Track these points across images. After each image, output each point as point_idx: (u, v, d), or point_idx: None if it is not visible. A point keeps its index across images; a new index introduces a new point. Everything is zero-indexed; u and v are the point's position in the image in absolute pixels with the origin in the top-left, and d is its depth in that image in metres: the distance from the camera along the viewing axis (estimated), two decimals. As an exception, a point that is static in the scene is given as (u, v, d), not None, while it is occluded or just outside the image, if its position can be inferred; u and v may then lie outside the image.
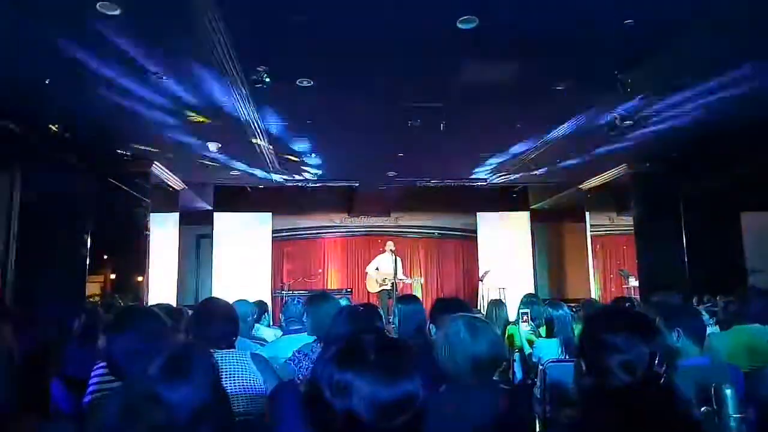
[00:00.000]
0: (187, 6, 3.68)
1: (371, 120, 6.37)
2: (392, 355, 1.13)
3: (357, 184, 10.23)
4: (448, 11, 3.85)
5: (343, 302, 4.76)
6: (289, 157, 7.80)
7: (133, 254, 7.70)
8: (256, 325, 4.39)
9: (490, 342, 1.96)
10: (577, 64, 4.77)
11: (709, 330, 2.81)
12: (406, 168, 8.83)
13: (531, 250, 11.53)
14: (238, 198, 10.77)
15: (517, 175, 9.34)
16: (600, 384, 1.54)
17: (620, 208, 11.25)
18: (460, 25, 4.00)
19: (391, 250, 10.12)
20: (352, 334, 1.22)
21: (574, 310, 5.09)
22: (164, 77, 4.93)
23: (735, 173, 7.17)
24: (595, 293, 10.68)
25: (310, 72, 4.93)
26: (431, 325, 3.04)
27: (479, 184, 9.99)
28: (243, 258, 10.75)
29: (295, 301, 3.97)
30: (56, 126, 6.10)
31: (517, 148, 7.68)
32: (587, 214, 10.63)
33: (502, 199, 11.32)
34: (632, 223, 8.86)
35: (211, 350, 1.89)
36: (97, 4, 3.63)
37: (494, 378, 2.03)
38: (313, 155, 7.92)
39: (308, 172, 8.97)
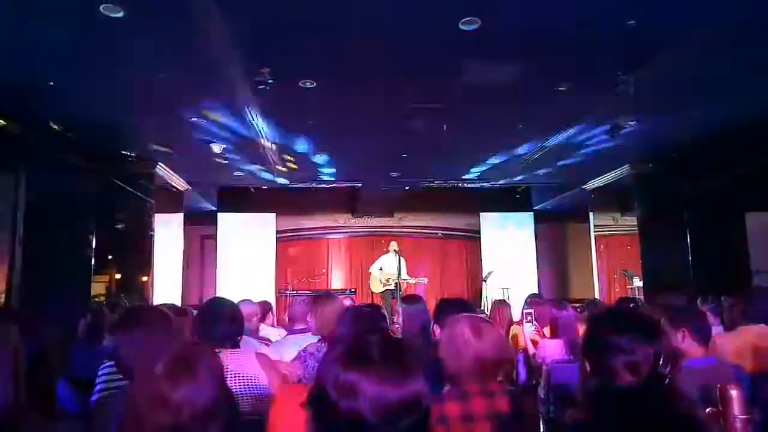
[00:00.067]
0: (189, 8, 3.70)
1: (374, 121, 6.38)
2: (397, 356, 1.13)
3: (360, 185, 10.24)
4: (450, 12, 3.85)
5: (347, 302, 4.78)
6: (288, 157, 7.78)
7: (137, 255, 7.72)
8: (261, 324, 4.40)
9: (494, 342, 1.96)
10: (580, 65, 4.77)
11: (714, 330, 2.80)
12: (409, 169, 8.83)
13: (535, 250, 11.51)
14: (242, 199, 10.79)
15: (520, 176, 9.34)
16: (604, 384, 1.54)
17: (624, 209, 11.22)
18: (462, 26, 4.00)
19: (394, 250, 10.12)
20: (357, 335, 1.22)
21: (578, 310, 5.09)
22: (168, 78, 4.95)
23: (739, 173, 7.14)
24: (598, 294, 10.65)
25: (313, 73, 4.93)
26: (435, 325, 3.05)
27: (482, 184, 9.99)
28: (247, 258, 10.77)
29: (299, 302, 3.98)
30: (60, 127, 6.12)
31: (518, 149, 7.67)
32: (591, 214, 10.61)
33: (506, 199, 11.31)
34: (636, 223, 8.84)
35: (216, 350, 1.90)
36: (101, 6, 3.65)
37: (498, 378, 2.03)
38: (316, 156, 7.93)
39: (312, 172, 8.98)
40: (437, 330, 2.94)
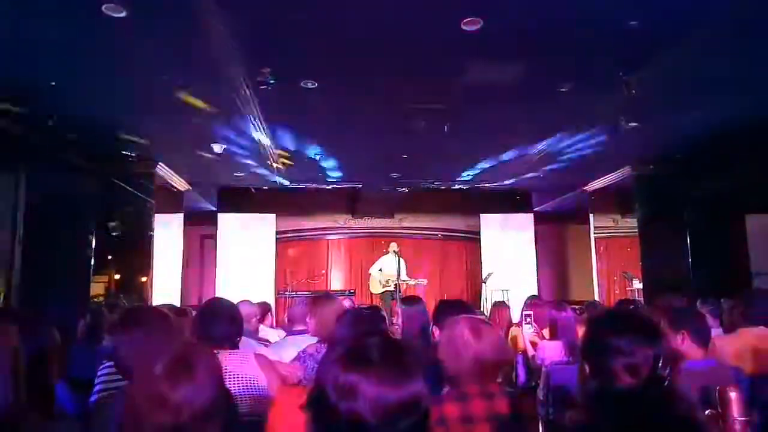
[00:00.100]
0: (191, 8, 3.70)
1: (375, 121, 6.38)
2: (397, 357, 1.13)
3: (360, 186, 10.24)
4: (452, 13, 3.85)
5: (346, 303, 4.78)
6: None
7: (137, 255, 7.72)
8: (260, 325, 4.40)
9: (493, 344, 1.96)
10: (582, 65, 4.77)
11: (713, 332, 2.80)
12: (410, 170, 8.83)
13: (534, 251, 11.50)
14: (242, 199, 10.79)
15: (521, 177, 9.33)
16: (604, 386, 1.54)
17: (624, 210, 11.23)
18: (464, 27, 4.00)
19: (394, 251, 10.13)
20: (356, 336, 1.22)
21: (578, 312, 5.09)
22: (169, 79, 4.95)
23: (739, 175, 7.15)
24: (598, 295, 10.65)
25: (314, 74, 4.94)
26: (434, 326, 3.05)
27: (483, 185, 9.99)
28: (246, 259, 10.77)
29: (299, 303, 3.98)
30: (61, 127, 6.12)
31: (520, 150, 7.68)
32: (591, 216, 10.61)
33: (506, 200, 11.30)
34: (636, 225, 8.84)
35: (215, 350, 1.90)
36: (103, 6, 3.65)
37: (497, 380, 2.03)
38: (318, 156, 7.93)
39: (312, 173, 8.98)
40: (436, 331, 2.95)
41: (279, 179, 9.14)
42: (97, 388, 2.21)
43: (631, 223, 9.99)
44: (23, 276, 5.89)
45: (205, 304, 2.74)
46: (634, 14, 3.87)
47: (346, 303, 5.20)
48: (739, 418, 1.75)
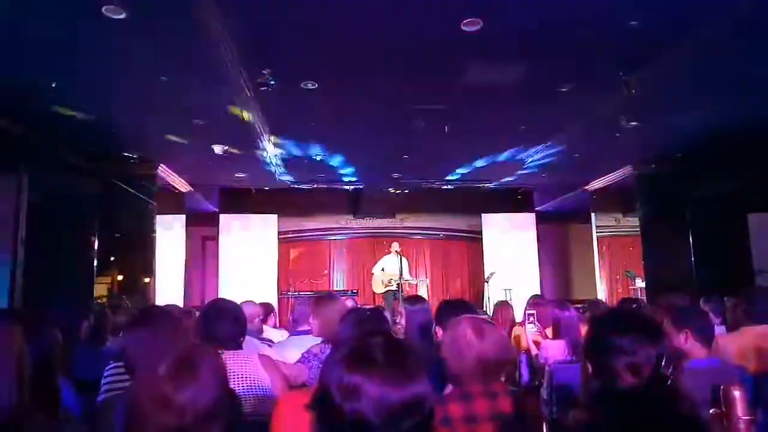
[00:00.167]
0: (192, 9, 3.70)
1: (376, 122, 6.38)
2: (400, 357, 1.13)
3: (362, 186, 10.24)
4: (452, 13, 3.85)
5: (349, 303, 4.79)
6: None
7: (139, 256, 7.73)
8: (264, 326, 4.41)
9: (496, 343, 1.96)
10: (582, 65, 4.77)
11: (716, 330, 2.80)
12: (411, 170, 8.83)
13: (537, 251, 11.50)
14: (244, 200, 10.80)
15: (523, 177, 9.33)
16: (606, 386, 1.54)
17: (626, 209, 11.23)
18: (464, 28, 4.00)
19: (396, 251, 10.13)
20: (359, 337, 1.23)
21: (580, 311, 5.09)
22: (169, 80, 4.96)
23: (741, 174, 7.13)
24: (601, 294, 10.64)
25: (315, 75, 4.94)
26: (436, 327, 3.05)
27: (484, 185, 9.98)
28: (249, 259, 10.78)
29: (303, 303, 3.99)
30: (62, 128, 6.14)
31: (520, 150, 7.68)
32: (593, 215, 10.60)
33: (508, 200, 11.31)
34: (638, 224, 8.83)
35: (219, 351, 1.90)
36: (103, 8, 3.65)
37: (501, 379, 2.03)
38: (318, 157, 7.94)
39: (314, 173, 8.98)
40: (439, 331, 2.95)
41: (280, 179, 9.12)
42: (103, 388, 2.22)
43: (633, 222, 9.98)
44: (26, 277, 5.90)
45: (209, 305, 2.74)
46: (635, 14, 3.87)
47: (349, 303, 5.21)
48: (743, 417, 1.75)
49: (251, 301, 4.23)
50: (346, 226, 12.60)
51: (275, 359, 2.64)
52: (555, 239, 12.75)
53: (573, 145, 7.26)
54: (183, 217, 9.93)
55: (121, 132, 6.56)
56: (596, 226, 10.65)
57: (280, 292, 10.97)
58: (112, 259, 7.49)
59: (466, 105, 5.75)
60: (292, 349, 3.15)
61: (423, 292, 10.99)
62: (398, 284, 9.70)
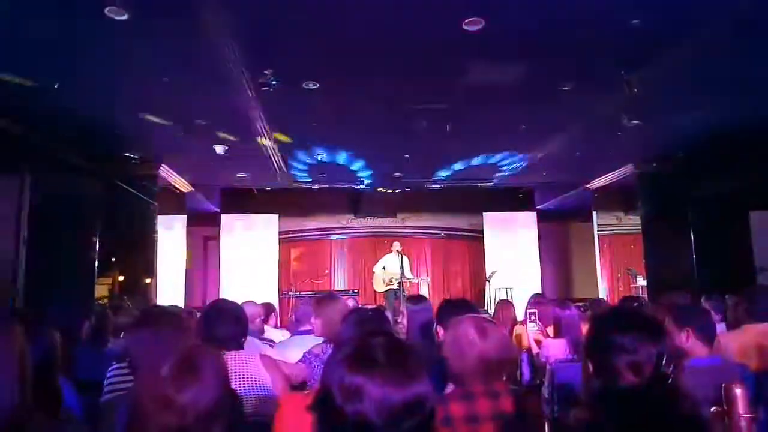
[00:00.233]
0: (192, 10, 3.70)
1: (377, 122, 6.38)
2: (402, 358, 1.13)
3: (363, 186, 10.25)
4: (453, 13, 3.85)
5: (350, 303, 4.79)
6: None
7: (141, 256, 7.73)
8: (265, 326, 4.41)
9: (498, 342, 1.96)
10: (583, 65, 4.76)
11: (717, 328, 2.79)
12: (412, 169, 8.83)
13: (538, 249, 11.49)
14: (245, 200, 10.81)
15: (523, 175, 9.32)
16: (607, 385, 1.54)
17: (627, 208, 11.22)
18: (465, 27, 4.00)
19: (397, 250, 10.13)
20: (361, 337, 1.22)
21: (582, 309, 5.08)
22: (171, 81, 4.96)
23: (742, 172, 7.13)
24: (602, 293, 10.63)
25: (316, 75, 4.94)
26: (438, 326, 3.05)
27: (485, 184, 9.97)
28: (250, 259, 10.79)
29: (305, 303, 3.99)
30: (64, 129, 6.14)
31: (521, 150, 7.67)
32: (594, 213, 10.60)
33: (509, 199, 11.30)
34: (640, 222, 8.83)
35: (220, 351, 1.90)
36: (105, 9, 3.66)
37: (502, 378, 2.03)
38: (319, 156, 7.94)
39: (315, 173, 8.98)
40: (440, 331, 2.95)
41: (281, 179, 9.12)
42: (106, 389, 2.22)
43: (634, 221, 9.97)
44: (28, 277, 5.91)
45: (210, 305, 2.74)
46: (635, 14, 3.86)
47: (350, 302, 5.21)
48: (745, 415, 1.75)
49: (252, 301, 4.23)
50: (347, 225, 12.61)
51: (276, 359, 2.64)
52: (556, 238, 12.74)
53: (574, 144, 7.26)
54: (184, 217, 9.93)
55: (122, 132, 6.56)
56: (597, 225, 10.64)
57: (281, 292, 10.98)
58: (114, 259, 7.50)
59: (467, 105, 5.74)
60: (293, 349, 3.15)
61: (424, 290, 10.99)
62: (399, 283, 9.70)
